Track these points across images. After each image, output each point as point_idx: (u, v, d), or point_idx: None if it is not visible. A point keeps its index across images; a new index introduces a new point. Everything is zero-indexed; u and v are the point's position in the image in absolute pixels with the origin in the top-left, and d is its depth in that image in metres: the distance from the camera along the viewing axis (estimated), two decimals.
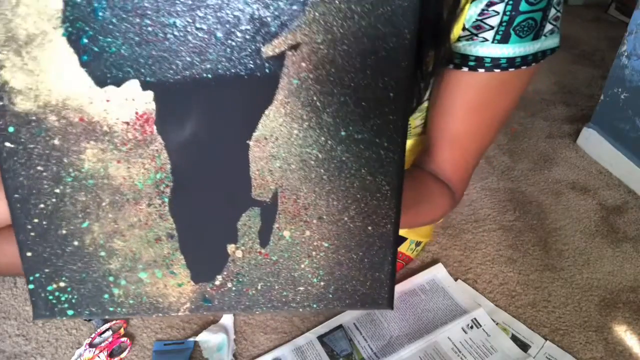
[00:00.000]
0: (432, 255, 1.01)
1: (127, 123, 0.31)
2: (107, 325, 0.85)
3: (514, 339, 0.86)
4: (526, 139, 1.36)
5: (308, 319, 0.88)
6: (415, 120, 0.68)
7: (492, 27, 0.55)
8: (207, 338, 0.83)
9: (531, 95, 1.55)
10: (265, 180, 0.33)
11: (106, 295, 0.35)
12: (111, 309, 0.36)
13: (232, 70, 0.31)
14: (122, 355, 0.82)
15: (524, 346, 0.85)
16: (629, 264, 1.01)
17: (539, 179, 1.22)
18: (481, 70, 0.57)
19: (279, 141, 0.32)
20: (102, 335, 0.85)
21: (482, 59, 0.57)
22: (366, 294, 0.36)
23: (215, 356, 0.81)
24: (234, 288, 0.36)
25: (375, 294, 0.37)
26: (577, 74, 1.66)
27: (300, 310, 0.37)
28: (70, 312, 0.36)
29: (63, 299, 0.35)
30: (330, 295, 0.36)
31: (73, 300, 0.35)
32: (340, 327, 0.86)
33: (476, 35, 0.56)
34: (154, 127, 0.32)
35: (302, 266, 0.35)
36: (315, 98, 0.31)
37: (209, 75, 0.31)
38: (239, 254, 0.35)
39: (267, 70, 0.31)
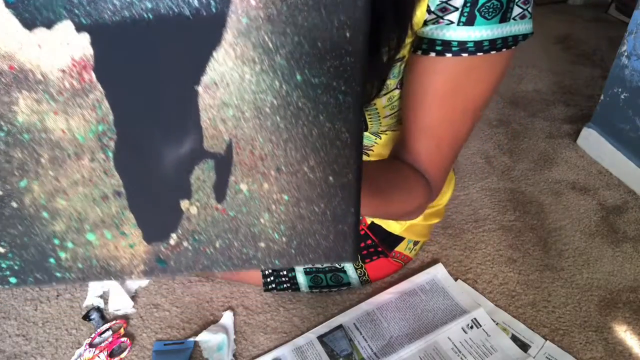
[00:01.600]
0: (432, 255, 1.01)
1: (63, 70, 0.29)
2: (107, 325, 0.85)
3: (514, 339, 0.86)
4: (526, 139, 1.36)
5: (308, 318, 0.88)
6: (385, 110, 0.68)
7: (456, 9, 0.55)
8: (207, 338, 0.83)
9: (531, 95, 1.55)
10: (217, 130, 0.31)
11: (52, 260, 0.33)
12: (58, 274, 0.33)
13: (175, 10, 0.28)
14: (122, 355, 0.82)
15: (524, 346, 0.85)
16: (629, 264, 1.01)
17: (539, 179, 1.23)
18: (449, 55, 0.57)
19: (230, 87, 0.30)
20: (102, 335, 0.85)
21: (449, 43, 0.56)
22: (330, 248, 0.35)
23: (215, 356, 0.81)
24: (190, 247, 0.34)
25: (339, 248, 0.35)
26: (577, 74, 1.66)
27: (262, 267, 0.35)
28: (13, 280, 0.33)
29: (4, 266, 0.33)
30: (293, 251, 0.35)
31: (15, 267, 0.33)
32: (340, 327, 0.87)
33: (442, 18, 0.56)
34: (93, 74, 0.29)
35: (262, 221, 0.34)
36: (267, 38, 0.29)
37: (150, 16, 0.28)
38: (193, 210, 0.33)
39: (213, 9, 0.29)
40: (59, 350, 0.83)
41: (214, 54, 0.29)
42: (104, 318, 0.88)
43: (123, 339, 0.84)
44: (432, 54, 0.58)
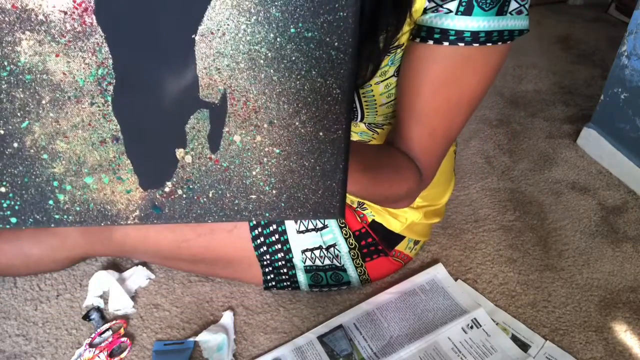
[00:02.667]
0: (432, 255, 1.01)
1: (65, 12, 0.29)
2: (107, 325, 0.85)
3: (514, 339, 0.86)
4: (526, 139, 1.36)
5: (308, 318, 0.88)
6: (382, 97, 0.68)
7: None
8: (207, 338, 0.83)
9: (531, 95, 1.55)
10: (213, 80, 0.32)
11: (51, 202, 0.34)
12: (57, 216, 0.34)
13: None
14: (122, 355, 0.82)
15: (524, 346, 0.85)
16: (629, 264, 1.01)
17: (539, 179, 1.22)
18: (446, 44, 0.58)
19: (226, 36, 0.31)
20: (102, 335, 0.85)
21: (446, 32, 0.58)
22: (318, 203, 0.36)
23: (215, 356, 0.81)
24: (184, 195, 0.35)
25: (327, 203, 0.36)
26: (577, 74, 1.66)
27: (253, 219, 0.36)
28: (13, 220, 0.34)
29: (5, 205, 0.34)
30: (283, 204, 0.36)
31: (16, 207, 0.34)
32: (340, 327, 0.86)
33: (441, 6, 0.57)
34: (93, 17, 0.30)
35: (254, 173, 0.35)
36: None
37: None
38: (188, 159, 0.34)
39: None
40: (59, 350, 0.83)
41: (212, 2, 0.30)
42: (104, 318, 0.88)
43: (123, 339, 0.84)
44: (430, 42, 0.59)
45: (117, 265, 0.97)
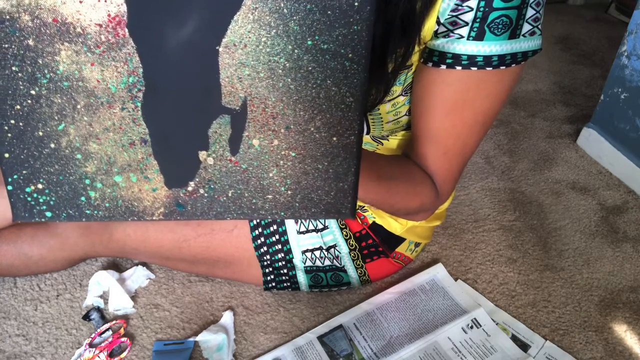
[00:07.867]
0: (432, 255, 1.01)
1: (100, 25, 0.32)
2: (107, 325, 0.85)
3: (514, 339, 0.86)
4: (526, 139, 1.36)
5: (308, 318, 0.88)
6: (388, 115, 0.69)
7: (466, 24, 0.56)
8: (207, 338, 0.83)
9: (531, 95, 1.55)
10: (234, 88, 0.34)
11: (83, 198, 0.36)
12: (88, 211, 0.37)
13: None
14: (122, 355, 0.82)
15: (524, 346, 0.85)
16: (629, 264, 1.01)
17: (539, 179, 1.23)
18: (458, 68, 0.58)
19: (248, 48, 0.33)
20: (102, 335, 0.85)
21: (459, 57, 0.57)
22: (330, 204, 0.38)
23: (215, 356, 0.81)
24: (205, 194, 0.37)
25: (339, 204, 0.38)
26: (577, 74, 1.66)
27: (269, 217, 0.38)
28: (48, 214, 0.37)
29: (41, 200, 0.36)
30: (297, 204, 0.38)
31: (51, 202, 0.36)
32: (340, 327, 0.86)
33: (452, 31, 0.57)
34: (126, 30, 0.32)
35: (271, 175, 0.37)
36: (282, 4, 0.32)
37: None
38: (210, 161, 0.36)
39: None
40: (59, 350, 0.83)
41: (234, 16, 0.32)
42: (104, 318, 0.88)
43: (123, 339, 0.84)
44: (443, 67, 0.58)
45: (117, 265, 0.97)
